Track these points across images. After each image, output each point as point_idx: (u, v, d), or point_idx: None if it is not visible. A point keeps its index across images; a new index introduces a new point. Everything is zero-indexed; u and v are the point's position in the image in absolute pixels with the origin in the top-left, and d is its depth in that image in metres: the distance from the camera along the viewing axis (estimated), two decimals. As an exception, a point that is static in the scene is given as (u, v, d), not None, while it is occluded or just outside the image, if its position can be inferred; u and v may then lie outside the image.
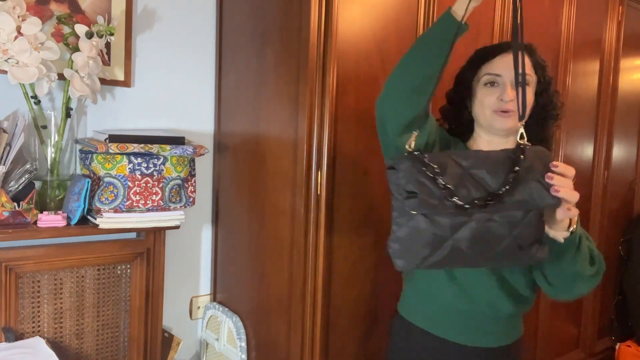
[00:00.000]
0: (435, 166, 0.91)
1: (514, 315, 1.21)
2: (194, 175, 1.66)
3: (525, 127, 1.00)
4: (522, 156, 0.91)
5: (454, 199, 0.89)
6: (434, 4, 1.67)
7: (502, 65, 1.15)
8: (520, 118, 0.98)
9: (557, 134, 2.24)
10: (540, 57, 1.22)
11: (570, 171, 0.93)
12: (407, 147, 0.95)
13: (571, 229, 1.00)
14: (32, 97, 1.44)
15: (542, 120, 1.23)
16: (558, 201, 0.92)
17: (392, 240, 0.96)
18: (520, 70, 0.96)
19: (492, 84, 1.17)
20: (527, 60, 1.16)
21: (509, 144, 1.18)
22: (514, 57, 0.97)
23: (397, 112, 1.07)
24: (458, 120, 1.27)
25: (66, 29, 1.50)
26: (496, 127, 1.17)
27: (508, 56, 1.12)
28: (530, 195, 0.91)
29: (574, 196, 0.92)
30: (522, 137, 0.95)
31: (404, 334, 1.27)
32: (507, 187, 0.89)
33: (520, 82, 0.98)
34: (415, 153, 0.93)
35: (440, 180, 0.90)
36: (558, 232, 0.99)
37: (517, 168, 0.90)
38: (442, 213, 0.91)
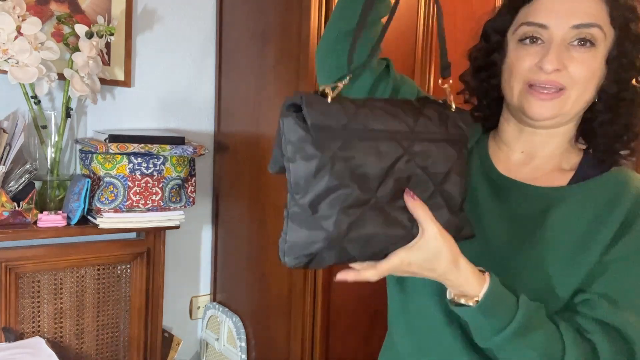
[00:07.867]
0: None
1: None
2: (194, 175, 1.66)
3: (593, 114, 0.76)
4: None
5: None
6: (434, 4, 1.67)
7: (552, 10, 0.73)
8: (443, 72, 0.69)
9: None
10: None
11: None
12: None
13: (455, 297, 0.68)
14: (32, 97, 1.44)
15: (615, 105, 0.77)
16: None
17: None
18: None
19: (532, 39, 0.74)
20: None
21: (550, 145, 0.79)
22: None
23: (322, 62, 0.86)
24: (483, 92, 0.85)
25: (66, 29, 1.50)
26: (526, 112, 0.75)
27: None
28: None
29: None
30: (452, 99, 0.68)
31: None
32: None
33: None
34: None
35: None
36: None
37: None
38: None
